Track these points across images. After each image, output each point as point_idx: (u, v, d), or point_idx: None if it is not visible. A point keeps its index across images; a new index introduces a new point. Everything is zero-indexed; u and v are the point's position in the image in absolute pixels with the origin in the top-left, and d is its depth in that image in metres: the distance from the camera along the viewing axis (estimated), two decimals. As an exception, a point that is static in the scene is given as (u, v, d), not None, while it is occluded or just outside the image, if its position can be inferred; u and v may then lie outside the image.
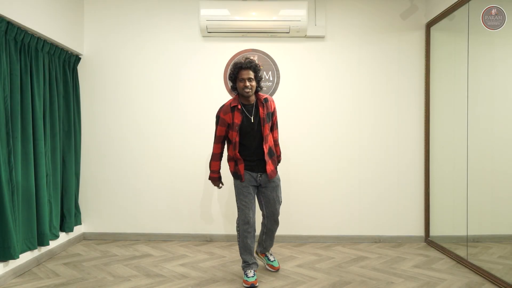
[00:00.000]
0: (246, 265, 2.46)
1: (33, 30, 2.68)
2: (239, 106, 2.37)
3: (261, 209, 2.58)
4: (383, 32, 3.44)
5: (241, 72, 2.32)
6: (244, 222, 2.42)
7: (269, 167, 2.41)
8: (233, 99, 2.41)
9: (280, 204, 2.57)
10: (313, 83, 3.45)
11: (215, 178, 2.56)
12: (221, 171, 2.60)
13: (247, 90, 2.32)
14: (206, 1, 3.20)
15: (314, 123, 3.44)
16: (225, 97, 3.43)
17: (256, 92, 2.43)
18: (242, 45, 3.44)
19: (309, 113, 3.44)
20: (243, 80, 2.31)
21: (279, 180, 2.54)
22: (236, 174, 2.45)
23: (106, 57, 3.44)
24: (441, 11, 3.07)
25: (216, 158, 2.51)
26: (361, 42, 3.44)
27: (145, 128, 3.45)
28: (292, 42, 3.44)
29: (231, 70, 2.38)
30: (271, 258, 2.73)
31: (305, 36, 3.40)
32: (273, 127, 2.56)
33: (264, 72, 3.43)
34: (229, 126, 2.39)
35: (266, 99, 2.45)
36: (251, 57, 2.34)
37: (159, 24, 3.44)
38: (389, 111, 3.44)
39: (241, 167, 2.40)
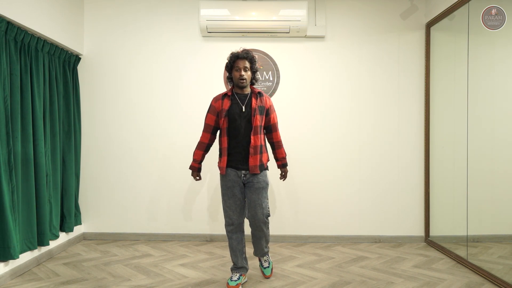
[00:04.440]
0: (234, 267, 2.45)
1: (33, 30, 2.68)
2: (229, 94, 2.38)
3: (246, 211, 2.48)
4: (383, 32, 3.44)
5: (237, 62, 2.33)
6: (227, 224, 2.42)
7: (252, 160, 2.31)
8: (228, 90, 2.44)
9: (263, 210, 2.35)
10: (313, 83, 3.45)
11: (194, 168, 2.47)
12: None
13: (242, 79, 2.33)
14: (206, 1, 3.20)
15: (314, 123, 3.44)
16: (225, 97, 3.43)
17: (252, 84, 2.45)
18: (242, 45, 3.43)
19: (309, 113, 3.44)
20: (239, 69, 2.33)
21: (266, 184, 2.38)
22: (219, 167, 2.39)
23: (106, 57, 3.45)
24: (441, 11, 3.07)
25: (200, 147, 2.46)
26: (361, 42, 3.44)
27: (145, 128, 3.45)
28: (292, 42, 3.44)
29: (228, 59, 2.38)
30: (265, 264, 2.58)
31: (305, 36, 3.40)
32: (272, 128, 2.47)
33: (264, 72, 3.43)
34: (218, 115, 2.37)
35: (260, 93, 2.43)
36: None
37: (159, 24, 3.45)
38: (389, 111, 3.44)
39: (224, 159, 2.34)
